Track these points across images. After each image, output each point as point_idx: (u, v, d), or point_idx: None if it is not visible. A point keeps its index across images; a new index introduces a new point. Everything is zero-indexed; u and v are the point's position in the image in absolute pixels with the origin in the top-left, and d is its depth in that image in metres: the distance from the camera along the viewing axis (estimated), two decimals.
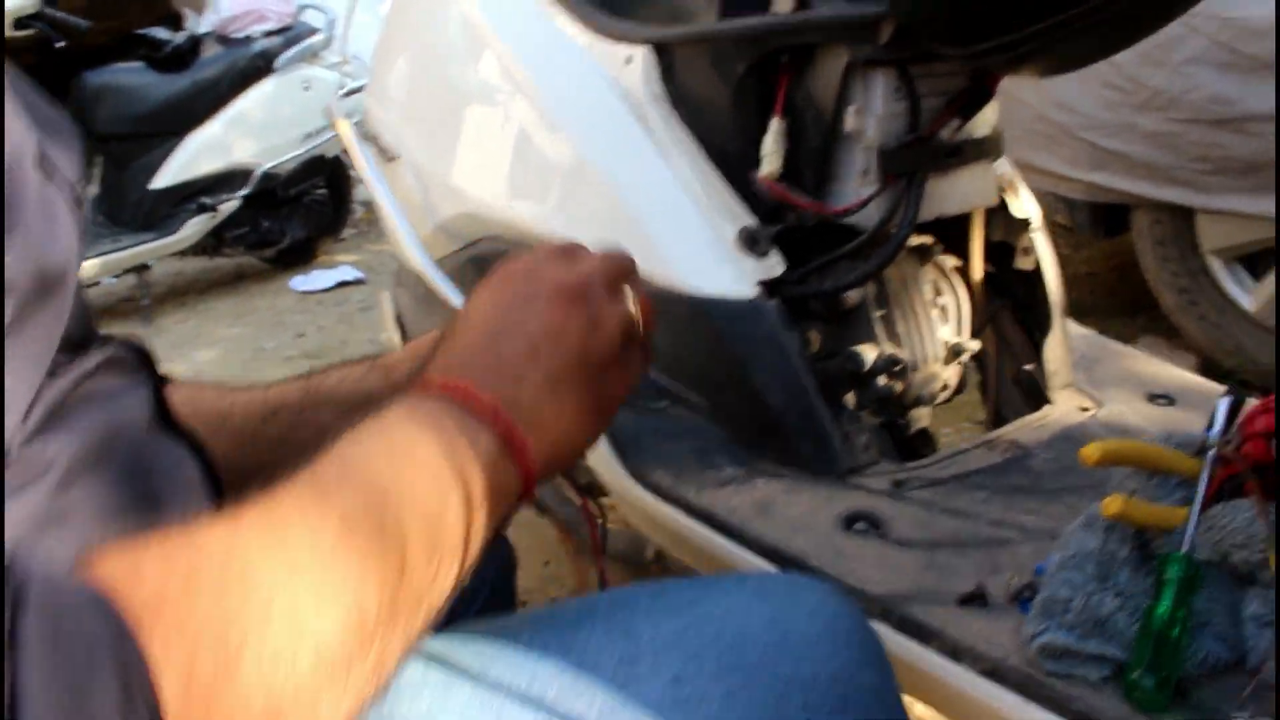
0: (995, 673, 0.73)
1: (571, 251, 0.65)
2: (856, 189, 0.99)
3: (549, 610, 0.67)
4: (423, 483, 0.51)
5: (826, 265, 1.00)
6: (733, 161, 1.03)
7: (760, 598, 0.64)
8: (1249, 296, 2.06)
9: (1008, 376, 1.15)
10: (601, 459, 1.01)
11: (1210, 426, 0.80)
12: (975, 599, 0.79)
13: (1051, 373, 1.12)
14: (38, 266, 0.46)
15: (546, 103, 1.13)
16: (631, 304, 0.63)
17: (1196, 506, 0.74)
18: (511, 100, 1.19)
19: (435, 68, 1.44)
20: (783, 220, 1.01)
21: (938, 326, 1.12)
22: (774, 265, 0.99)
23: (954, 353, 1.12)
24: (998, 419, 1.15)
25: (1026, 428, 1.05)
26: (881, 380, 1.06)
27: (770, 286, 0.99)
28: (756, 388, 0.98)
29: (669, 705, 0.57)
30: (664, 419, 1.05)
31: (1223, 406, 0.82)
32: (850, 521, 0.90)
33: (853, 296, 1.03)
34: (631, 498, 0.98)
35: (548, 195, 1.16)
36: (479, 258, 1.28)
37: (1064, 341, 1.13)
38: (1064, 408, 1.09)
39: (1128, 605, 0.72)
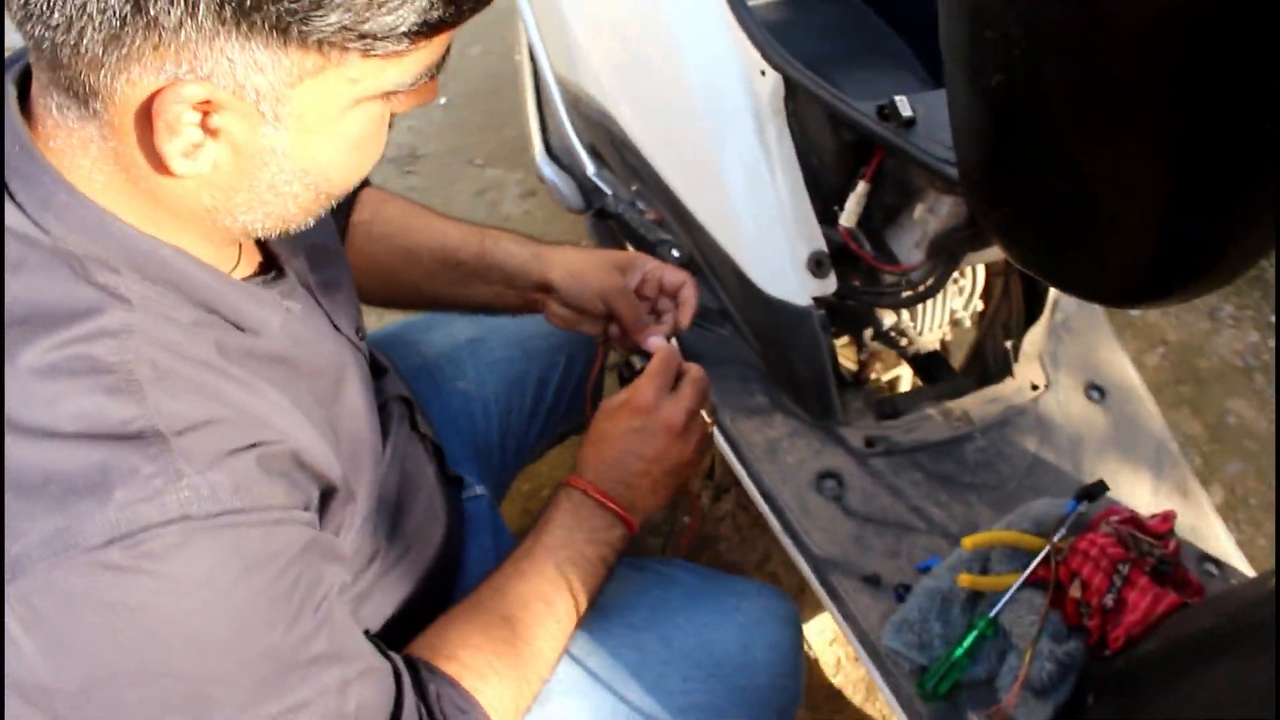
0: (863, 638, 1.23)
1: (659, 398, 1.07)
2: (908, 251, 1.28)
3: (631, 600, 1.17)
4: (579, 536, 1.01)
5: (869, 293, 1.32)
6: (822, 192, 1.29)
7: (743, 626, 1.15)
8: None
9: (992, 341, 1.49)
10: None
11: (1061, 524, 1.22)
12: (872, 581, 1.27)
13: (1024, 351, 1.46)
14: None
15: (689, 71, 1.33)
16: (708, 420, 1.06)
17: (1014, 587, 1.19)
18: (662, 44, 1.37)
19: None
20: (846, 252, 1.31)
21: (950, 299, 1.44)
22: (829, 285, 1.31)
23: (954, 321, 1.46)
24: (968, 369, 1.52)
25: (982, 400, 1.43)
26: (890, 336, 1.43)
27: (819, 299, 1.31)
28: (793, 361, 1.35)
29: (679, 693, 1.11)
30: (723, 343, 1.43)
31: (1070, 509, 1.22)
32: (822, 479, 1.34)
33: None
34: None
35: (667, 142, 1.41)
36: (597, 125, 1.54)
37: (1045, 329, 1.46)
38: (1019, 382, 1.46)
39: (946, 634, 1.20)
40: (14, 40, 0.61)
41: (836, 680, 1.68)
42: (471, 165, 2.58)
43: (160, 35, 0.60)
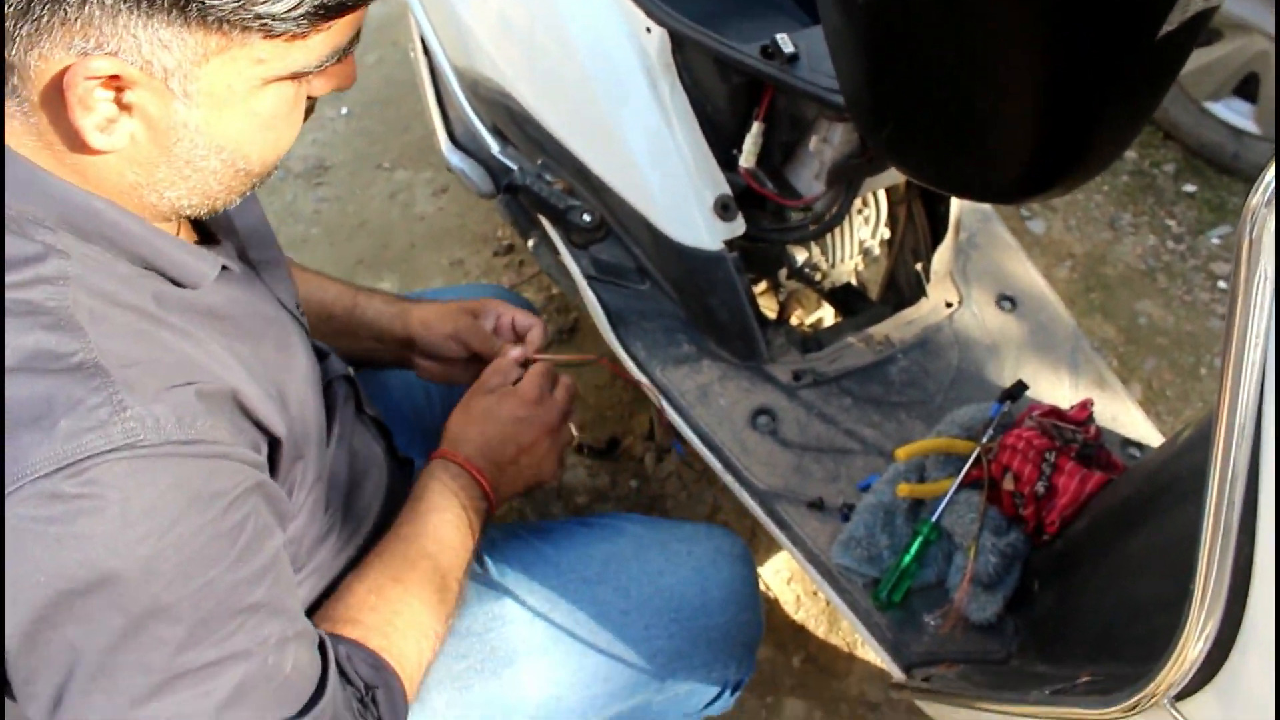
0: (815, 560, 1.27)
1: (543, 395, 1.15)
2: (809, 184, 1.32)
3: (582, 555, 1.20)
4: (451, 526, 1.04)
5: (777, 230, 1.36)
6: (720, 138, 1.33)
7: (696, 569, 1.18)
8: None
9: (903, 266, 1.54)
10: (604, 329, 1.44)
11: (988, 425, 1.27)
12: (816, 505, 1.31)
13: (935, 271, 1.51)
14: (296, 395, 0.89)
15: (577, 37, 1.36)
16: (575, 432, 1.12)
17: (951, 491, 1.24)
18: (549, 16, 1.40)
19: None
20: (750, 194, 1.35)
21: (858, 229, 1.49)
22: (737, 227, 1.34)
23: (865, 252, 1.51)
24: (884, 297, 1.57)
25: (900, 324, 1.48)
26: (804, 272, 1.47)
27: (730, 241, 1.35)
28: (713, 306, 1.39)
29: (642, 641, 1.14)
30: (646, 300, 1.46)
31: (995, 412, 1.28)
32: (756, 415, 1.38)
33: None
34: (624, 360, 1.43)
35: (565, 111, 1.44)
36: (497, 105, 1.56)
37: (951, 248, 1.51)
38: (934, 301, 1.51)
39: (893, 545, 1.25)
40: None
41: (798, 616, 1.73)
42: (380, 170, 2.58)
43: (66, 11, 0.62)
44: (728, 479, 1.33)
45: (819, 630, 1.72)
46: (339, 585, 0.99)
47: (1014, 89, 0.95)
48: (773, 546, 1.77)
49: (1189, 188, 2.47)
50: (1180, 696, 0.72)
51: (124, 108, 0.68)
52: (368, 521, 1.07)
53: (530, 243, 1.70)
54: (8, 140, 0.70)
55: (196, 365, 0.73)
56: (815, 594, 1.75)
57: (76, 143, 0.68)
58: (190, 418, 0.69)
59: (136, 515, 0.66)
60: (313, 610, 0.97)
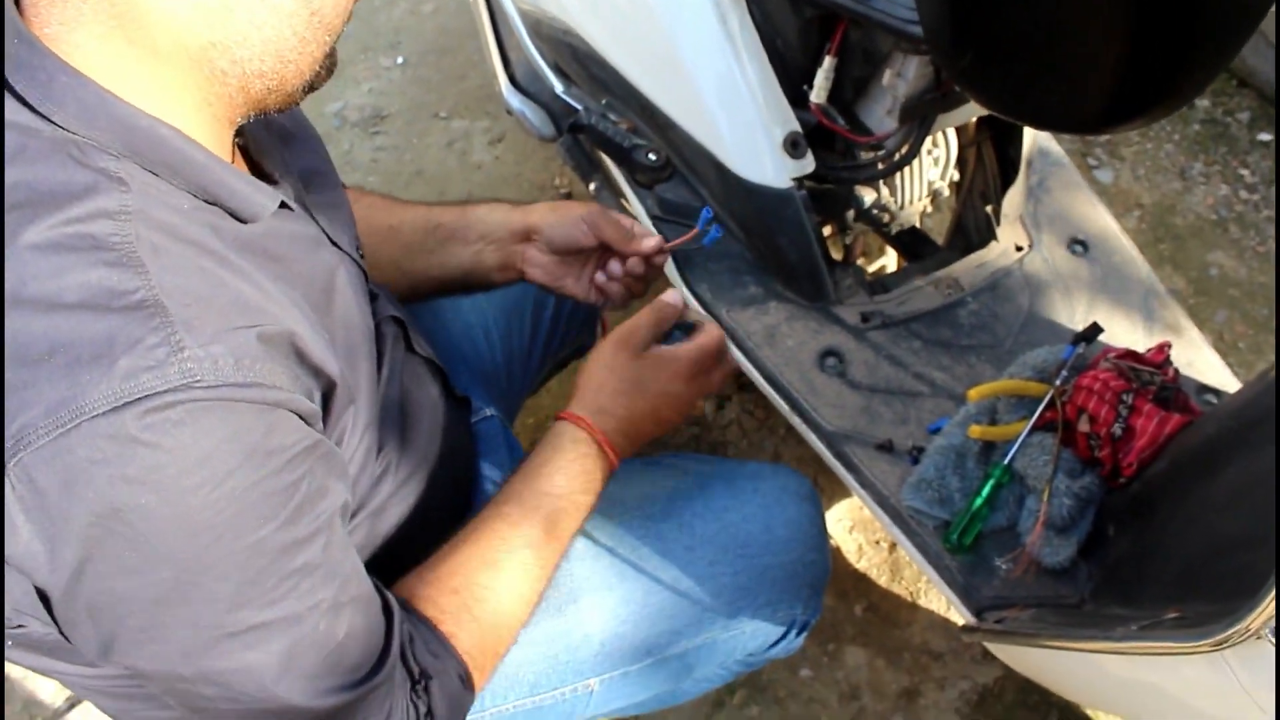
0: (884, 503, 1.26)
1: (710, 378, 1.15)
2: (880, 120, 1.29)
3: (647, 492, 1.19)
4: (576, 484, 1.02)
5: (847, 168, 1.34)
6: (790, 73, 1.30)
7: (761, 506, 1.17)
8: None
9: (972, 210, 1.51)
10: (669, 270, 1.42)
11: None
12: (885, 448, 1.29)
13: (1005, 214, 1.48)
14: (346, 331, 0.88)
15: None
16: (718, 377, 1.09)
17: (1024, 433, 1.22)
18: None
19: None
20: (820, 132, 1.32)
21: (927, 170, 1.46)
22: (807, 165, 1.32)
23: (934, 194, 1.48)
24: (952, 242, 1.54)
25: (969, 267, 1.45)
26: (872, 214, 1.45)
27: (799, 180, 1.33)
28: (780, 245, 1.37)
29: (707, 578, 1.13)
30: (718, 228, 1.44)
31: (1068, 354, 1.25)
32: (824, 357, 1.36)
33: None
34: (691, 304, 1.41)
35: (632, 48, 1.41)
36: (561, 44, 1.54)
37: (1022, 191, 1.48)
38: (1004, 244, 1.48)
39: (964, 488, 1.23)
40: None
41: (860, 565, 1.72)
42: (437, 119, 2.57)
43: None
44: (795, 420, 1.32)
45: (881, 580, 1.71)
46: (431, 553, 0.97)
47: (1102, 8, 0.93)
48: (835, 494, 1.76)
49: (1265, 136, 2.40)
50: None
51: None
52: (425, 461, 1.06)
53: (592, 186, 1.68)
54: (79, 60, 0.69)
55: (257, 306, 0.72)
56: (878, 543, 1.74)
57: None
58: (250, 360, 0.69)
59: (192, 464, 0.65)
60: (389, 570, 0.95)
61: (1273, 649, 0.70)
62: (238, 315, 0.70)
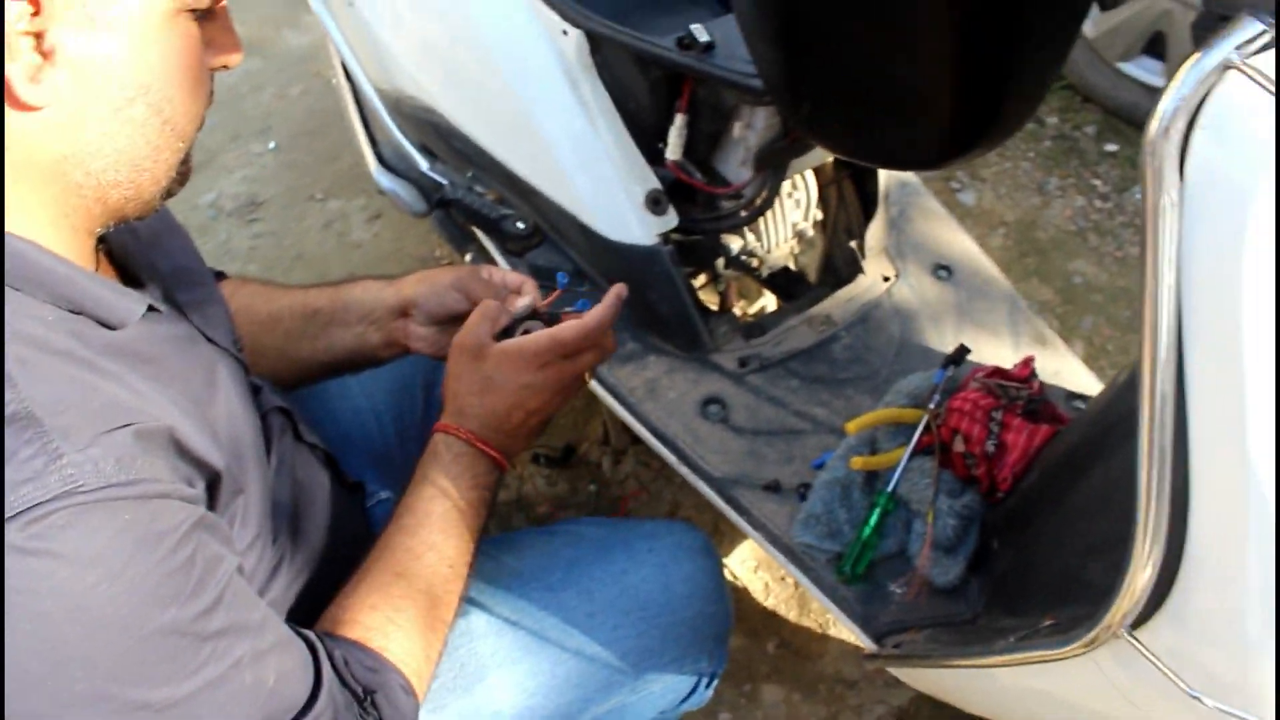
0: (776, 541, 1.28)
1: (574, 360, 1.10)
2: (736, 171, 1.33)
3: (545, 563, 1.19)
4: (463, 481, 1.02)
5: (710, 219, 1.37)
6: (645, 133, 1.33)
7: (658, 566, 1.17)
8: (1090, 24, 2.36)
9: (838, 246, 1.56)
10: None
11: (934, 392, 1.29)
12: (773, 488, 1.32)
13: (869, 247, 1.53)
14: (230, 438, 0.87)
15: (494, 46, 1.36)
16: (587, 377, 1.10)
17: (904, 460, 1.26)
18: (465, 27, 1.40)
19: None
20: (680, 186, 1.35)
21: (790, 213, 1.51)
22: (670, 220, 1.35)
23: (799, 235, 1.52)
24: (823, 279, 1.59)
25: (839, 302, 1.50)
26: (741, 260, 1.49)
27: (665, 235, 1.36)
28: (652, 300, 1.39)
29: (612, 642, 1.13)
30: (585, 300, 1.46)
31: (939, 378, 1.30)
32: (706, 405, 1.39)
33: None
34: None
35: (490, 120, 1.44)
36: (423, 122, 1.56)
37: (883, 223, 1.54)
38: (871, 277, 1.53)
39: (852, 518, 1.26)
40: None
41: (768, 603, 1.73)
42: (313, 201, 2.56)
43: None
44: (683, 470, 1.34)
45: (790, 615, 1.73)
46: (347, 585, 0.97)
47: (925, 53, 0.97)
48: (737, 537, 1.77)
49: (1111, 147, 2.53)
50: (1136, 625, 0.73)
51: (45, 55, 0.67)
52: (319, 549, 1.05)
53: (468, 257, 1.69)
54: None
55: (130, 406, 0.72)
56: (783, 579, 1.76)
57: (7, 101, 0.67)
58: (129, 459, 0.68)
59: (85, 563, 0.64)
60: (309, 618, 0.95)
61: (1132, 646, 0.73)
62: (112, 416, 0.70)
